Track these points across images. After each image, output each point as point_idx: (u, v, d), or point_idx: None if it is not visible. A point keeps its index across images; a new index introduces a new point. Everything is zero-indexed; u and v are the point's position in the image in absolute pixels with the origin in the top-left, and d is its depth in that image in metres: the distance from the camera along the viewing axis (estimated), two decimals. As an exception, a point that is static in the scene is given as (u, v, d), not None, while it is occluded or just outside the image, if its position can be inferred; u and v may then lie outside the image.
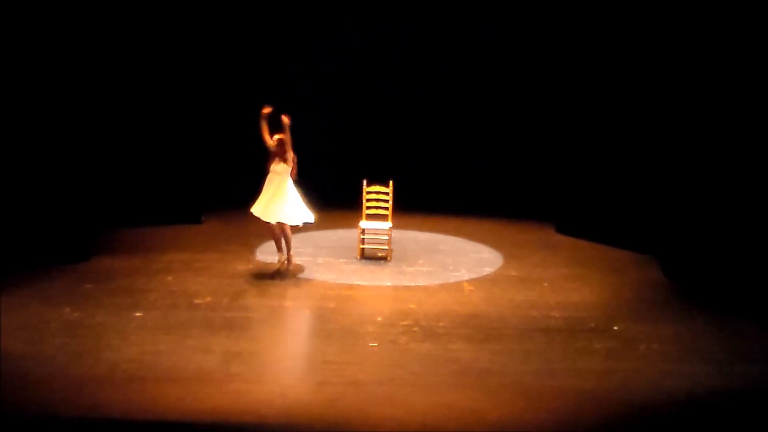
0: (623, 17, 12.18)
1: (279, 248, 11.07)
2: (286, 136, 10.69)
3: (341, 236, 12.92)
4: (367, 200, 12.00)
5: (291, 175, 10.82)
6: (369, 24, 14.86)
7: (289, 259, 11.08)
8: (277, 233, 10.98)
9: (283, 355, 8.63)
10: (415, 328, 9.37)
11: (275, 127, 10.73)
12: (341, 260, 11.77)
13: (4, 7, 10.56)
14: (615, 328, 9.53)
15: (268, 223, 10.90)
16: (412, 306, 10.08)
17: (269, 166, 10.79)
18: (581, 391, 7.99)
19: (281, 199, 10.79)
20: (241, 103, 14.45)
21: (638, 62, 12.02)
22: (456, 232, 13.39)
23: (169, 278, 10.75)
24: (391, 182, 11.99)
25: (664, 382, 8.17)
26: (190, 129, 13.16)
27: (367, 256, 11.88)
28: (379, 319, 9.67)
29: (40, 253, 10.98)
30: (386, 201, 11.99)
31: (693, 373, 8.36)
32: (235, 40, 14.15)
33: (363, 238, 11.90)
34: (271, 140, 10.76)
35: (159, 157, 12.97)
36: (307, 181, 11.07)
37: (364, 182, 12.04)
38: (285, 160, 10.74)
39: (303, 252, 12.04)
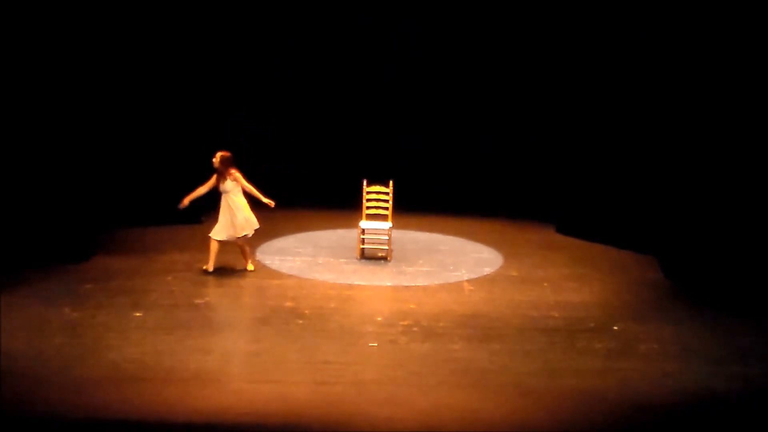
0: (625, 17, 12.17)
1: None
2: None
3: (341, 236, 12.91)
4: (367, 200, 11.99)
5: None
6: (369, 24, 14.84)
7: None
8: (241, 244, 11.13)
9: (283, 354, 8.62)
10: (415, 328, 9.37)
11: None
12: (341, 260, 11.77)
13: (4, 9, 10.55)
14: (615, 328, 9.53)
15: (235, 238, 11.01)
16: (412, 306, 10.08)
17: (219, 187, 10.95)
18: (581, 391, 8.00)
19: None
20: (241, 103, 14.50)
21: (637, 63, 12.01)
22: (456, 232, 13.37)
23: (169, 278, 10.75)
24: (391, 182, 11.99)
25: (664, 382, 8.18)
26: (190, 129, 13.15)
27: (367, 256, 11.88)
28: (379, 319, 9.68)
29: (40, 253, 10.97)
30: (386, 201, 11.98)
31: (693, 373, 8.37)
32: (234, 40, 14.13)
33: (363, 238, 11.89)
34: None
35: (159, 157, 12.95)
36: (307, 181, 11.04)
37: (364, 182, 12.04)
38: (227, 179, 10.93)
39: (303, 252, 12.05)
